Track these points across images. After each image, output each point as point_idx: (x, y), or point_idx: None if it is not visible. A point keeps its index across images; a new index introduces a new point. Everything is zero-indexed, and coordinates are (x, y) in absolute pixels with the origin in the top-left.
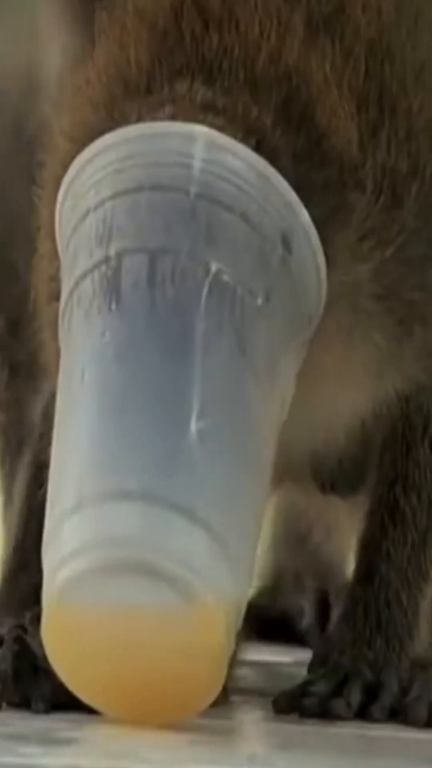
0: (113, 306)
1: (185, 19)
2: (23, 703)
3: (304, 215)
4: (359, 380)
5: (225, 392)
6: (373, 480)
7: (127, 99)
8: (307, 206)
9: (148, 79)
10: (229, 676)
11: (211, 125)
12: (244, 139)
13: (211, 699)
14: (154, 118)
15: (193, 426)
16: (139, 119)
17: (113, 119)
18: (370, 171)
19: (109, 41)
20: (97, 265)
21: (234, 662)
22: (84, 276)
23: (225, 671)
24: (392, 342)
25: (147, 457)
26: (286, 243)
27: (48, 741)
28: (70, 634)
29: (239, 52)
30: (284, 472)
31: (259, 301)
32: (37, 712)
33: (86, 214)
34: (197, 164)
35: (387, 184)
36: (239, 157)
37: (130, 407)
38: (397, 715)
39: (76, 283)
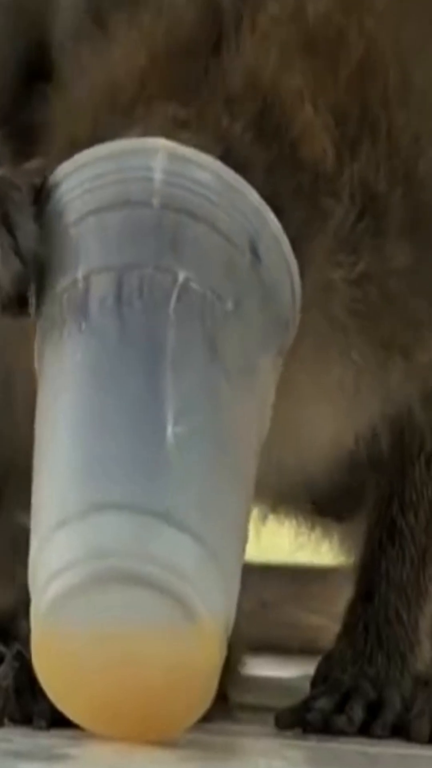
0: (83, 326)
1: (167, 43)
2: (24, 720)
3: (273, 221)
4: (339, 399)
5: (199, 397)
6: (370, 500)
7: (109, 119)
8: (279, 213)
9: (130, 100)
10: (229, 687)
11: (178, 139)
12: (210, 149)
13: (203, 711)
14: (124, 136)
15: (170, 432)
16: (113, 138)
17: (95, 138)
18: (347, 181)
19: (104, 59)
20: (66, 289)
21: (235, 676)
22: (54, 300)
23: (216, 683)
24: (372, 364)
25: (126, 466)
26: (254, 249)
27: (49, 757)
28: (58, 654)
29: (217, 72)
30: (279, 496)
31: (230, 305)
32: (38, 728)
33: (55, 237)
34: (158, 176)
35: (365, 195)
36: (203, 167)
37: (107, 420)
38: (400, 731)
39: (48, 308)
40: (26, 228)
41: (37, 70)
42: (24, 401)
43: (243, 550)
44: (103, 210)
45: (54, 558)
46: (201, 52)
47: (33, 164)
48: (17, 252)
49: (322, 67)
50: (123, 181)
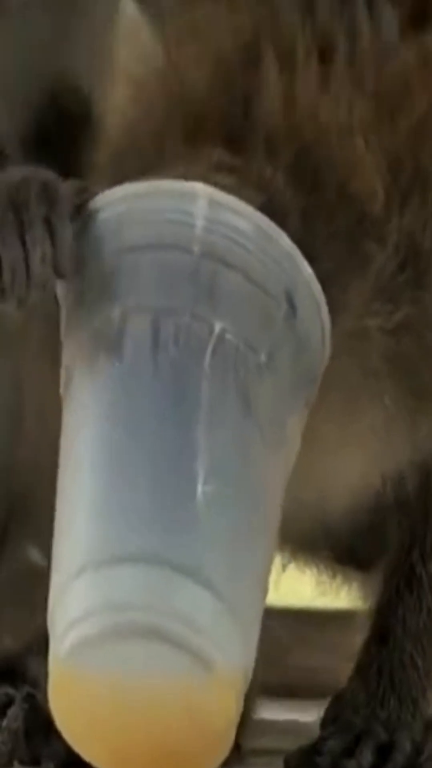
0: (117, 366)
1: (210, 83)
2: (34, 762)
3: (307, 272)
4: (366, 446)
5: (231, 454)
6: (390, 547)
7: (147, 154)
8: (315, 260)
9: (170, 137)
10: (242, 734)
11: (220, 184)
12: (251, 198)
13: (220, 761)
14: (167, 177)
15: (200, 490)
16: (152, 175)
17: (133, 171)
18: (393, 229)
19: (146, 92)
20: (101, 322)
21: (249, 723)
22: (87, 334)
23: (234, 733)
24: (402, 411)
25: (153, 520)
26: (290, 300)
27: None
28: (77, 699)
29: (260, 114)
30: (299, 542)
31: (263, 357)
32: None
33: (90, 265)
34: (200, 222)
35: (410, 248)
36: (242, 216)
37: (135, 471)
38: None
39: (80, 342)
40: (65, 239)
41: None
42: (33, 437)
43: (263, 601)
44: (143, 249)
45: (74, 606)
46: (241, 93)
47: (76, 183)
48: (54, 260)
49: (379, 111)
50: (164, 222)
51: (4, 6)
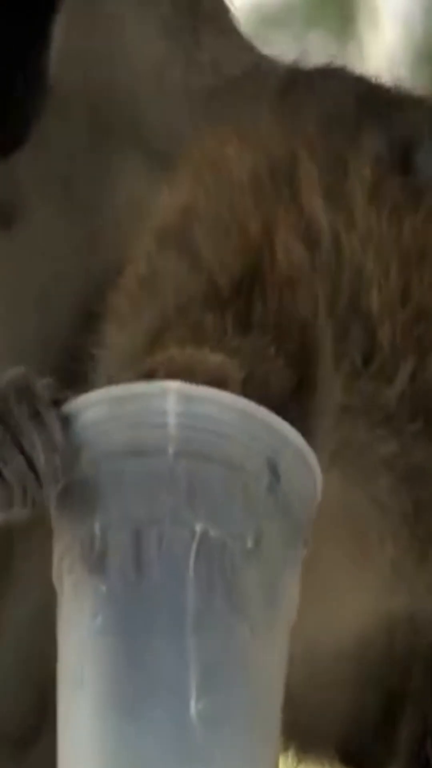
0: (102, 589)
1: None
2: None
3: (291, 434)
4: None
5: (221, 658)
6: (402, 740)
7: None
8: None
9: (156, 339)
10: None
11: (195, 359)
12: (228, 373)
13: None
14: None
15: (193, 709)
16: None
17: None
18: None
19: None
20: (84, 536)
21: None
22: (73, 542)
23: None
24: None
25: (150, 747)
26: (273, 468)
27: None
28: None
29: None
30: (303, 743)
31: (249, 544)
32: None
33: (68, 472)
34: (172, 421)
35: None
36: (214, 402)
37: (130, 700)
38: None
39: (67, 544)
40: (55, 426)
41: None
42: None
43: None
44: (119, 456)
45: None
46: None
47: (49, 382)
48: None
49: (393, 269)
50: (136, 426)
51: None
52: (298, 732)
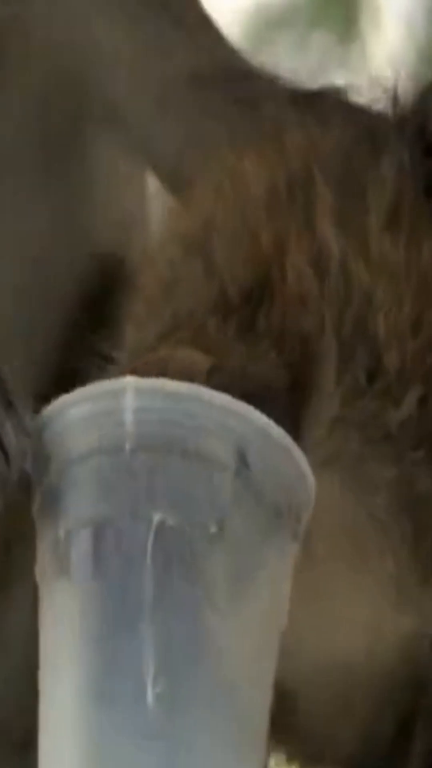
0: (67, 588)
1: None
2: None
3: (263, 422)
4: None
5: (182, 640)
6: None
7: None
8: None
9: (161, 342)
10: None
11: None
12: (196, 363)
13: None
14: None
15: (150, 691)
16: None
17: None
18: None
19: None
20: (52, 540)
21: None
22: (45, 551)
23: None
24: (406, 575)
25: (114, 729)
26: (242, 455)
27: None
28: None
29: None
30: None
31: (213, 528)
32: None
33: (41, 480)
34: (128, 417)
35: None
36: (173, 395)
37: (101, 691)
38: None
39: (42, 550)
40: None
41: None
42: None
43: None
44: (83, 458)
45: None
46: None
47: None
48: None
49: (407, 296)
50: (97, 426)
51: None
52: (308, 750)
